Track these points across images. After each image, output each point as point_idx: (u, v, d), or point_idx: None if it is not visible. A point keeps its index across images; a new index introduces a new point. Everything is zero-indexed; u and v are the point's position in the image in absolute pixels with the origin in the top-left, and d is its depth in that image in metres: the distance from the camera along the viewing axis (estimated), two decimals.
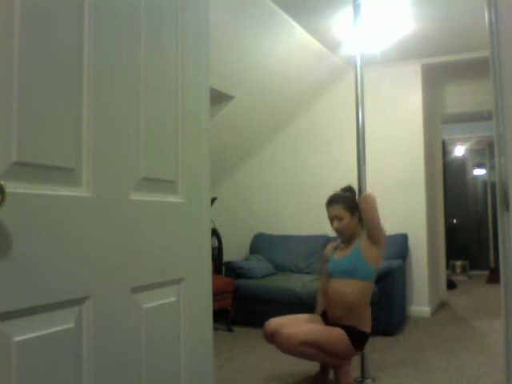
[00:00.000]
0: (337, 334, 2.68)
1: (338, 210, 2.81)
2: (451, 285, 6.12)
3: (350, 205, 2.85)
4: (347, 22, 3.55)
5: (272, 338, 2.72)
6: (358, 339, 2.70)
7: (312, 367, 3.02)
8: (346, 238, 2.87)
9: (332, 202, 2.86)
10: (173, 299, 1.36)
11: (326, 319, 2.82)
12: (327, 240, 4.87)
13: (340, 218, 2.81)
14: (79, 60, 1.07)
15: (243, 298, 4.31)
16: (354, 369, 2.83)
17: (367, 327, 2.75)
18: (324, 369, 2.92)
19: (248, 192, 5.39)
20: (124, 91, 1.20)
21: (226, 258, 5.00)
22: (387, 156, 4.74)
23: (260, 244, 5.12)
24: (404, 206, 4.71)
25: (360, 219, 2.84)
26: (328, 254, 2.98)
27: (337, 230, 2.85)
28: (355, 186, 3.03)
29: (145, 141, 1.26)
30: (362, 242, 2.78)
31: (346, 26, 3.70)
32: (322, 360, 2.79)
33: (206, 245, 1.52)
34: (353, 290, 2.73)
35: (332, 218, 2.84)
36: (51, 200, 0.99)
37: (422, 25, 3.84)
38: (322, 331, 2.70)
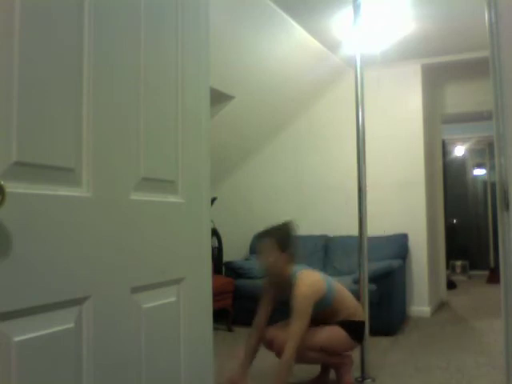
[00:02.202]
0: (334, 332, 2.67)
1: (265, 246, 2.66)
2: (451, 285, 6.12)
3: (280, 240, 2.63)
4: (347, 21, 3.55)
5: (271, 345, 2.70)
6: (355, 330, 2.69)
7: (312, 367, 3.02)
8: (273, 278, 2.72)
9: (260, 236, 2.71)
10: (173, 299, 1.36)
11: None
12: (325, 240, 4.88)
13: (267, 255, 2.65)
14: (79, 60, 1.07)
15: (243, 298, 4.30)
16: (354, 368, 2.83)
17: (360, 316, 2.74)
18: (325, 369, 2.92)
19: (248, 192, 5.39)
20: (124, 91, 1.20)
21: (226, 258, 5.00)
22: (387, 156, 4.74)
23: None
24: (404, 206, 4.71)
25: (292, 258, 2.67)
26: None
27: (262, 268, 2.72)
28: (355, 186, 3.02)
29: (145, 141, 1.26)
30: (296, 289, 2.57)
31: (346, 26, 3.69)
32: (324, 361, 2.79)
33: (206, 245, 1.52)
34: (325, 316, 2.71)
35: (259, 255, 2.72)
36: (51, 200, 0.99)
37: (422, 25, 3.84)
38: (320, 332, 2.69)
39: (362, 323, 2.75)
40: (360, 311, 2.77)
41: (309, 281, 2.61)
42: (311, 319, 2.57)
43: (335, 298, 2.69)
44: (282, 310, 2.73)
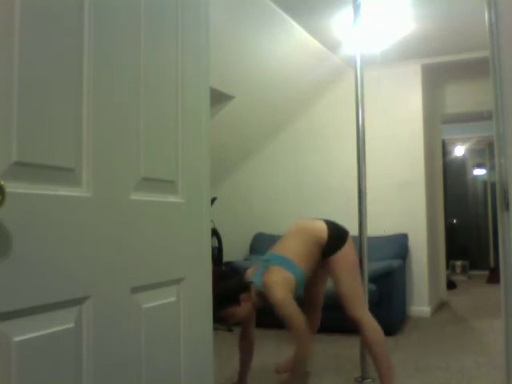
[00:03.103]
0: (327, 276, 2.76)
1: (222, 313, 2.53)
2: (451, 285, 6.12)
3: (226, 298, 2.51)
4: (347, 21, 3.55)
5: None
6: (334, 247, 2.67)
7: (313, 366, 3.02)
8: (248, 315, 2.68)
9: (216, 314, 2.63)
10: (173, 299, 1.36)
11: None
12: None
13: (231, 317, 2.58)
14: (79, 60, 1.07)
15: None
16: (354, 368, 2.83)
17: (323, 239, 2.68)
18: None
19: (248, 192, 5.39)
20: (124, 91, 1.20)
21: (226, 258, 5.00)
22: (387, 156, 4.74)
23: (260, 244, 5.12)
24: (404, 206, 4.71)
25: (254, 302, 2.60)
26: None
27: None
28: (355, 186, 3.01)
29: (145, 141, 1.26)
30: (271, 299, 2.50)
31: (346, 26, 3.69)
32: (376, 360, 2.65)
33: (206, 245, 1.52)
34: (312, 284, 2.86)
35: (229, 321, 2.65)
36: (51, 200, 0.99)
37: (422, 25, 3.84)
38: (348, 282, 2.64)
39: (329, 241, 2.67)
40: (320, 238, 2.67)
41: (275, 284, 2.53)
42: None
43: (303, 272, 2.64)
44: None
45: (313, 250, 2.67)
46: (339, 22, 3.72)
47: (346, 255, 2.66)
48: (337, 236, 2.69)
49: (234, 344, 3.70)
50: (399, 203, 4.72)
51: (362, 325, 2.58)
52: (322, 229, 2.70)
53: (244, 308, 2.57)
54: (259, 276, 2.61)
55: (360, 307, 2.61)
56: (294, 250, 2.66)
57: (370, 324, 2.60)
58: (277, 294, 2.48)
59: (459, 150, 8.08)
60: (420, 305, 4.68)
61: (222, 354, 3.44)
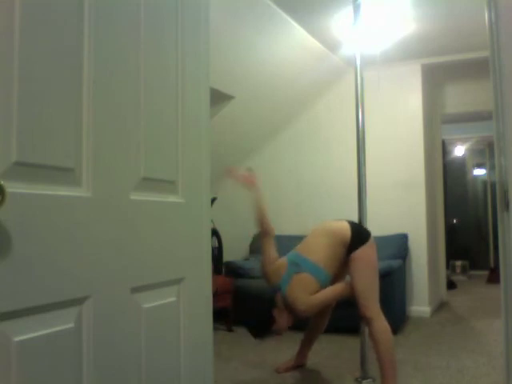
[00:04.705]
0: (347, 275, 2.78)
1: (270, 332, 2.84)
2: (451, 285, 6.12)
3: (260, 328, 2.86)
4: (347, 21, 3.55)
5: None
6: (360, 240, 2.71)
7: (313, 366, 3.02)
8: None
9: None
10: (173, 299, 1.36)
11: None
12: None
13: (280, 330, 2.79)
14: (79, 60, 1.07)
15: (243, 298, 4.30)
16: (356, 369, 2.82)
17: (346, 238, 2.71)
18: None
19: (248, 192, 5.38)
20: (124, 91, 1.20)
21: (226, 257, 5.00)
22: (387, 156, 4.74)
23: (260, 244, 5.11)
24: (404, 206, 4.71)
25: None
26: None
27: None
28: (355, 186, 3.02)
29: (145, 141, 1.26)
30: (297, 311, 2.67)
31: (346, 26, 3.69)
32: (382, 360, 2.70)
33: (206, 245, 1.52)
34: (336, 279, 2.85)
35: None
36: (51, 200, 0.99)
37: (422, 25, 3.84)
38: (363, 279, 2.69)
39: (352, 239, 2.72)
40: (344, 238, 2.72)
41: (297, 294, 2.66)
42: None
43: (330, 275, 2.72)
44: None
45: (338, 250, 2.72)
46: (339, 22, 3.72)
47: (365, 255, 2.69)
48: (359, 235, 2.74)
49: (234, 344, 3.71)
50: (399, 203, 4.72)
51: (372, 324, 2.61)
52: (346, 228, 2.75)
53: (282, 319, 2.70)
54: (286, 284, 2.70)
55: (373, 307, 2.63)
56: (322, 253, 2.73)
57: (380, 324, 2.63)
58: (299, 306, 2.63)
59: (459, 150, 8.08)
60: (420, 305, 4.68)
61: (221, 354, 3.44)
